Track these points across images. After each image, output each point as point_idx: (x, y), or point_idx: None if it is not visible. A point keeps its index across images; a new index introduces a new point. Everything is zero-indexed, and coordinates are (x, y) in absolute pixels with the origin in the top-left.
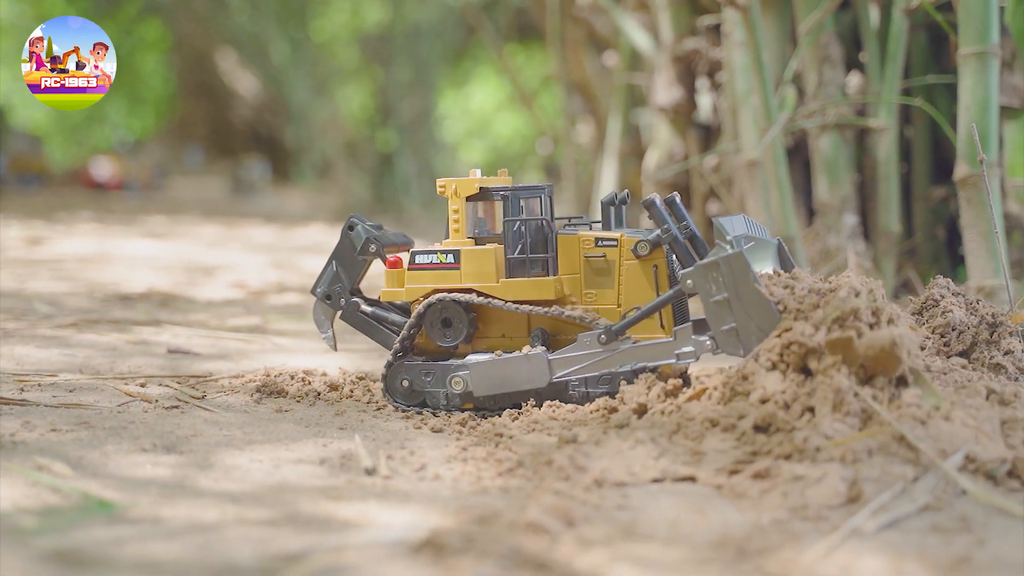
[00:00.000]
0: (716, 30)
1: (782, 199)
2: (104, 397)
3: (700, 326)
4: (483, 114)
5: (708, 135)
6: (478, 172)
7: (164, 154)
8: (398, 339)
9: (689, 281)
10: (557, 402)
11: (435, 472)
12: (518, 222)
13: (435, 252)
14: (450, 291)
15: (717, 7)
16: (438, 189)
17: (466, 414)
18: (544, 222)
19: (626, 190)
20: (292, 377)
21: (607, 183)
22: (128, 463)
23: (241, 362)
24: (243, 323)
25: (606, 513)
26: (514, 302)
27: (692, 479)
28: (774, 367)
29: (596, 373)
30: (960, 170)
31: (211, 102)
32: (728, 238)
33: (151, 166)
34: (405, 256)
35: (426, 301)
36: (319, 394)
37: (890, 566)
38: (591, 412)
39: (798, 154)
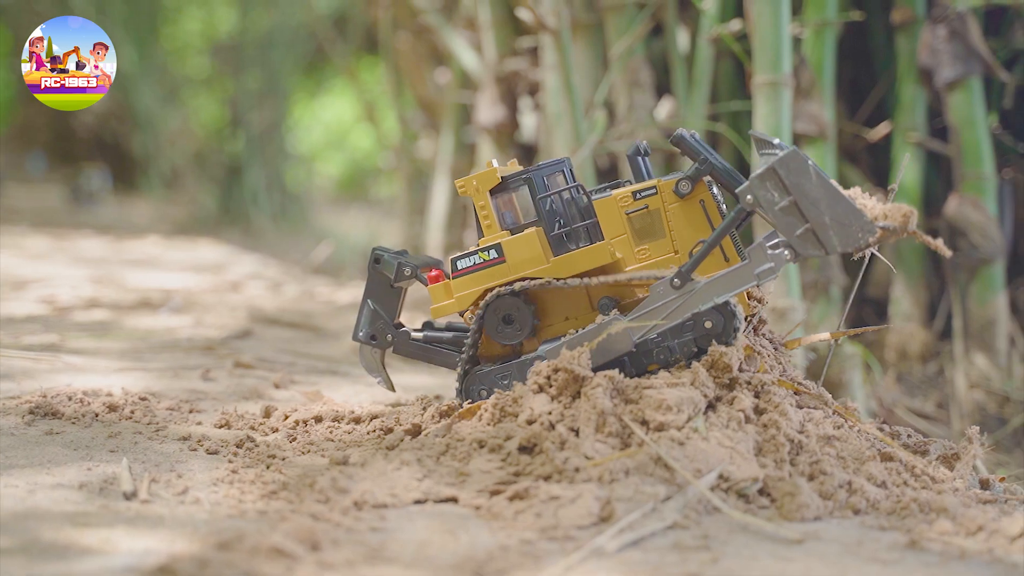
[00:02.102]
0: (536, 52)
1: None
2: None
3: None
4: (340, 126)
5: (530, 154)
6: (495, 162)
7: (3, 161)
8: (463, 352)
9: (749, 196)
10: (334, 421)
11: (196, 496)
12: (549, 198)
13: (475, 253)
14: (503, 285)
15: (536, 29)
16: (459, 190)
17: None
18: (574, 190)
19: (645, 140)
20: (70, 398)
21: (439, 200)
22: None
23: (23, 382)
24: (38, 341)
25: (357, 536)
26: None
27: (454, 500)
28: (541, 390)
29: (679, 321)
30: None
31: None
32: (775, 142)
33: None
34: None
35: (483, 303)
36: (97, 415)
37: None
38: (367, 433)
39: (612, 175)
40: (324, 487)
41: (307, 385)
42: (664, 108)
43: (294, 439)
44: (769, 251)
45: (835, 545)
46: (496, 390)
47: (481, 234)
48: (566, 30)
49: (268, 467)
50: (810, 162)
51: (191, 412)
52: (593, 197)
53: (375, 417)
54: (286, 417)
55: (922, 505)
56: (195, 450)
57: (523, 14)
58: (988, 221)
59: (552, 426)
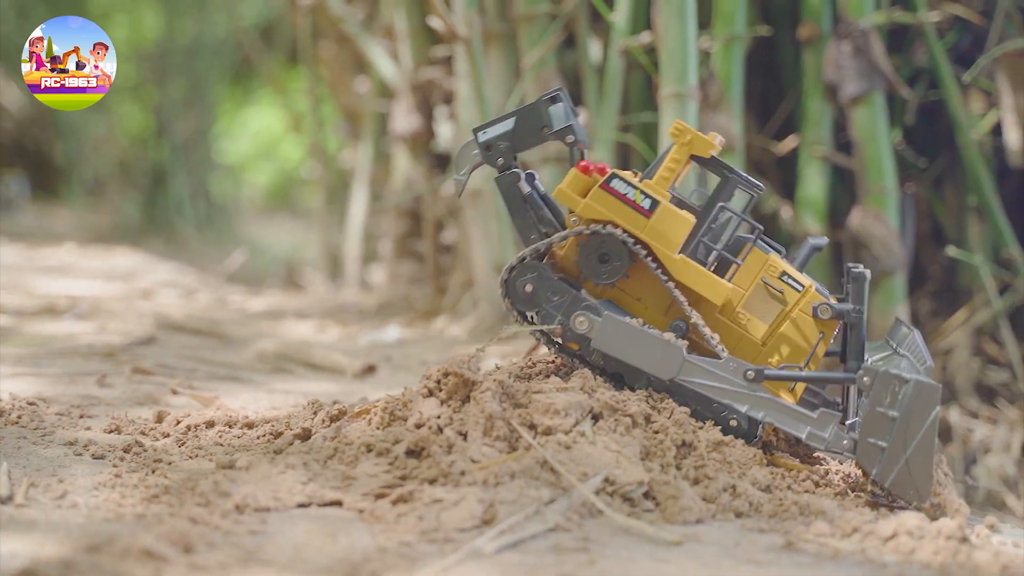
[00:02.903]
0: (450, 61)
1: (500, 229)
2: None
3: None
4: (269, 136)
5: (445, 164)
6: (719, 138)
7: None
8: (540, 239)
9: (867, 379)
10: (226, 426)
11: (74, 500)
12: (729, 212)
13: (637, 188)
14: (630, 233)
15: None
16: (672, 132)
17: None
18: (754, 227)
19: (826, 239)
20: None
21: (357, 209)
22: None
23: None
24: None
25: (235, 539)
26: (677, 285)
27: (339, 504)
28: (431, 394)
29: (719, 400)
30: None
31: None
32: (927, 364)
33: None
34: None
35: (597, 226)
36: None
37: None
38: (257, 438)
39: None
40: (206, 490)
41: (206, 391)
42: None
43: (183, 444)
44: (837, 430)
45: (713, 547)
46: (540, 296)
47: (651, 175)
48: (477, 39)
49: (153, 471)
50: (937, 412)
51: (81, 417)
52: (759, 243)
53: (268, 422)
54: (178, 422)
55: (802, 508)
56: (80, 455)
57: (434, 23)
58: (890, 234)
59: (440, 430)
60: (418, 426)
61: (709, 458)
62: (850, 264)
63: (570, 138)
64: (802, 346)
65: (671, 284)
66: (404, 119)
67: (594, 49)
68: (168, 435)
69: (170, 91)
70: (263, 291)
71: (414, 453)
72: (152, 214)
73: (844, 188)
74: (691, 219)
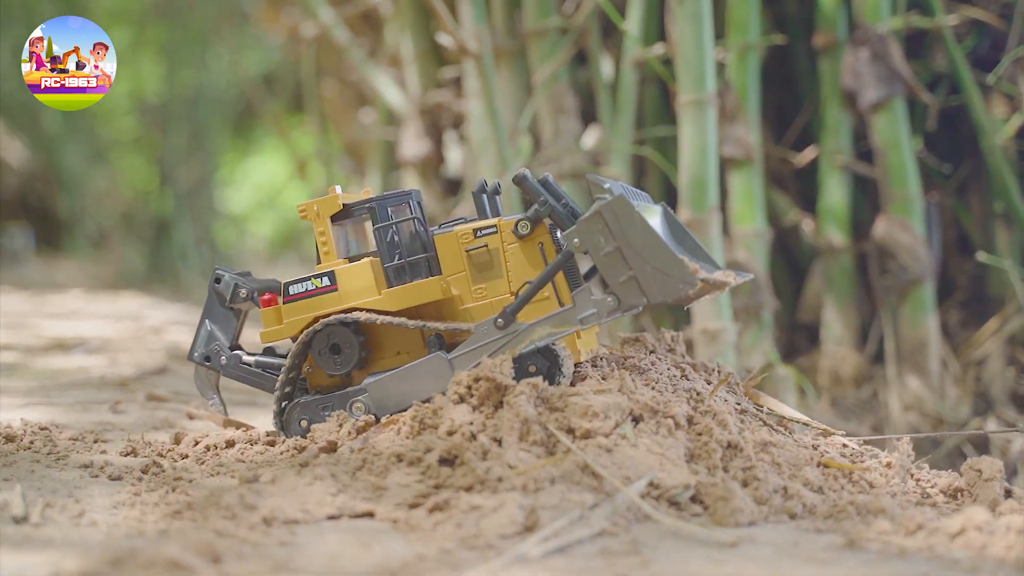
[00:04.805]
0: (459, 82)
1: None
2: None
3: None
4: (272, 186)
5: (455, 188)
6: (338, 189)
7: None
8: (279, 378)
9: (576, 240)
10: (247, 444)
11: (93, 519)
12: (390, 229)
13: (308, 279)
14: (332, 314)
15: (459, 59)
16: (299, 215)
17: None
18: (416, 221)
19: (496, 180)
20: None
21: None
22: None
23: None
24: None
25: (264, 550)
26: (397, 313)
27: (370, 515)
28: (462, 400)
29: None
30: (683, 214)
31: None
32: (606, 186)
33: None
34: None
35: (309, 329)
36: None
37: None
38: (281, 453)
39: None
40: (231, 504)
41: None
42: (590, 135)
43: (203, 463)
44: (594, 296)
45: (770, 547)
46: (317, 422)
47: (319, 260)
48: (488, 54)
49: (173, 489)
50: (636, 209)
51: (96, 442)
52: (437, 231)
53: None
54: (196, 443)
55: (859, 508)
56: (96, 476)
57: (444, 39)
58: (917, 241)
59: (474, 436)
60: (450, 433)
61: (757, 459)
62: (513, 177)
63: (243, 292)
64: (536, 266)
65: (393, 318)
66: (413, 144)
67: (606, 65)
68: (187, 456)
69: (172, 140)
70: None
71: (447, 461)
72: (157, 263)
73: (865, 198)
74: (367, 262)
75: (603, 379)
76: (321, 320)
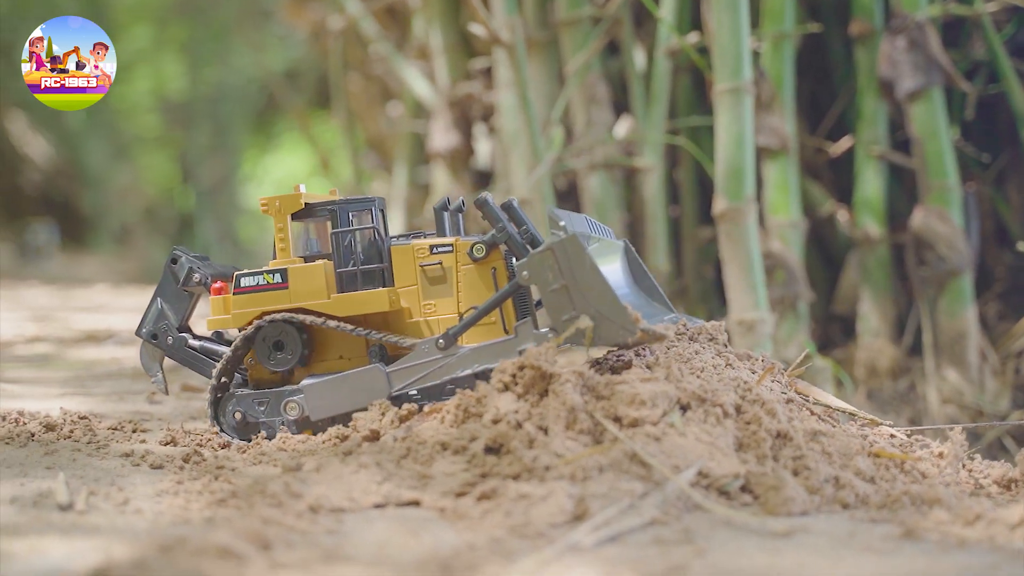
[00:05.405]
0: (489, 73)
1: None
2: None
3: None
4: (294, 180)
5: (485, 180)
6: (303, 187)
7: None
8: (217, 367)
9: (525, 272)
10: (287, 433)
11: (138, 506)
12: (348, 235)
13: (260, 273)
14: (279, 312)
15: (489, 50)
16: (261, 208)
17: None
18: (375, 231)
19: (461, 197)
20: (3, 418)
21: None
22: None
23: None
24: None
25: (312, 538)
26: (344, 318)
27: (416, 503)
28: (506, 388)
29: (438, 381)
30: (719, 204)
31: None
32: (561, 223)
33: None
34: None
35: (254, 324)
36: (33, 435)
37: None
38: (323, 442)
39: (572, 194)
40: (276, 492)
41: None
42: (623, 125)
43: (245, 451)
44: (534, 331)
45: (825, 537)
46: (251, 415)
47: (274, 256)
48: (520, 43)
49: (216, 478)
50: (587, 251)
51: (135, 431)
52: (395, 243)
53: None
54: None
55: (914, 498)
56: (138, 465)
57: (476, 29)
58: (955, 233)
59: (519, 425)
60: (495, 422)
61: (808, 449)
62: (476, 200)
63: (197, 276)
64: (486, 290)
65: (337, 324)
66: (442, 136)
67: (638, 55)
68: (227, 445)
69: (195, 137)
70: None
71: (493, 450)
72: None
73: (902, 188)
74: (320, 265)
75: (648, 368)
76: (267, 316)
